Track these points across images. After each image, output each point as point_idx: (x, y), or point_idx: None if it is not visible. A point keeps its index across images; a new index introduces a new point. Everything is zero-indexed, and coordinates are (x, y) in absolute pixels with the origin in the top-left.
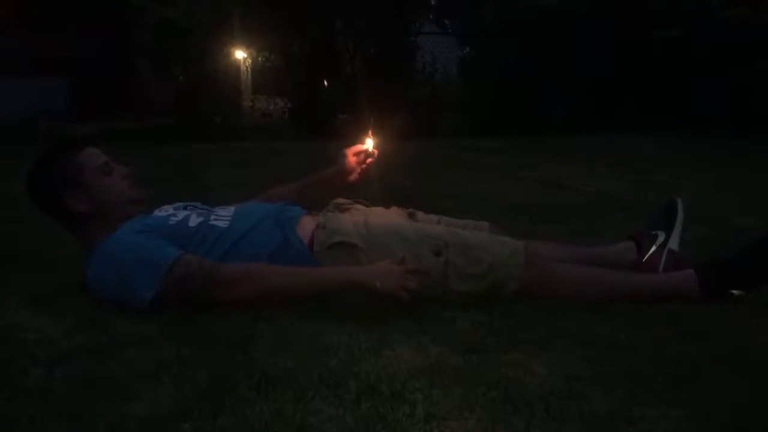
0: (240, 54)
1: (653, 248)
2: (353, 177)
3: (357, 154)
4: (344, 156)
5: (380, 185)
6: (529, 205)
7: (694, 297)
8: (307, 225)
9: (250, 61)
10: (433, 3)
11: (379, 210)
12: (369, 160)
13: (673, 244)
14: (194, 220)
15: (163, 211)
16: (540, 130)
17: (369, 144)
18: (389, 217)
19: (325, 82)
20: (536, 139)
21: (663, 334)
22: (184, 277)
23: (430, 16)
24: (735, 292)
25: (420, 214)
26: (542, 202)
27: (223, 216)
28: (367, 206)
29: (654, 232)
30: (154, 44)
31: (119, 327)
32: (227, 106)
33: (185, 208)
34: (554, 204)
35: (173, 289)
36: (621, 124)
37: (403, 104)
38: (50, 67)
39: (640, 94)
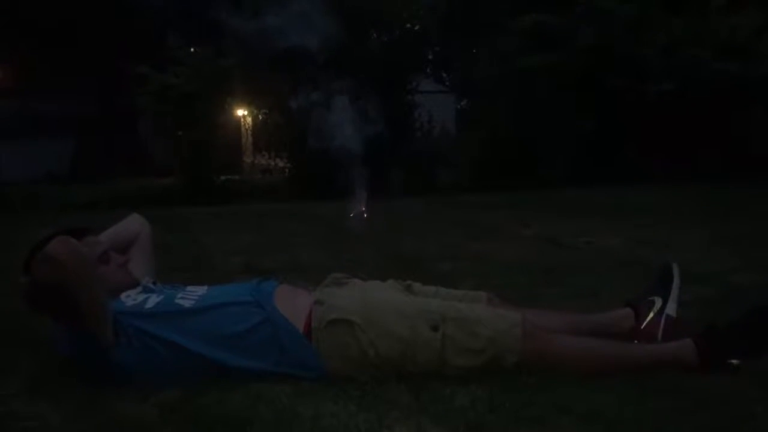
0: (240, 112)
1: (651, 315)
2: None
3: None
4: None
5: (379, 250)
6: (528, 265)
7: (694, 366)
8: (285, 297)
9: (250, 118)
10: (430, 57)
11: (376, 284)
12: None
13: (671, 309)
14: (152, 301)
15: (127, 295)
16: (539, 183)
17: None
18: (386, 292)
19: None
20: (536, 193)
21: (664, 406)
22: None
23: (428, 70)
24: (733, 361)
25: (417, 286)
26: (541, 262)
27: (191, 296)
28: (365, 280)
29: (651, 298)
30: (156, 109)
31: (119, 410)
32: (228, 164)
33: (152, 291)
34: (553, 264)
35: None
36: (619, 176)
37: (401, 161)
38: (53, 130)
39: (636, 146)
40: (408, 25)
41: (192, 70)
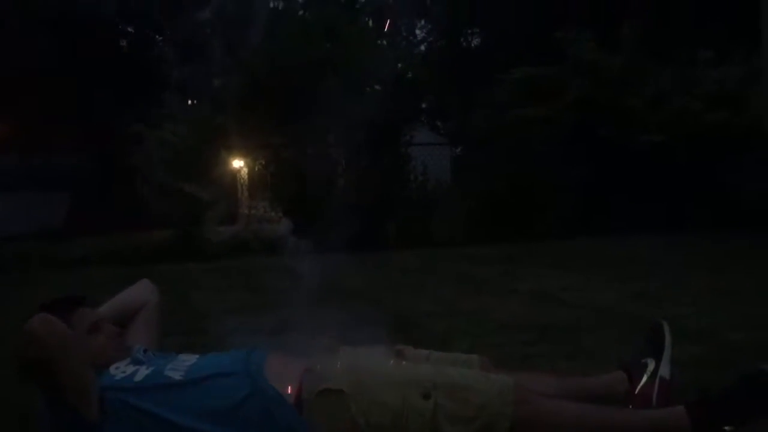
0: (237, 163)
1: (645, 378)
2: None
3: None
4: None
5: (374, 309)
6: (522, 323)
7: None
8: (276, 367)
9: (246, 169)
10: (424, 106)
11: (366, 350)
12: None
13: (664, 371)
14: (141, 374)
15: (116, 368)
16: (533, 234)
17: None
18: (376, 359)
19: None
20: (531, 246)
21: None
22: None
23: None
24: (727, 428)
25: (409, 350)
26: (536, 320)
27: (181, 366)
28: (355, 347)
29: (644, 360)
30: (151, 165)
31: None
32: (225, 217)
33: (141, 362)
34: (548, 321)
35: None
36: (612, 226)
37: (396, 214)
38: (49, 184)
39: (628, 196)
40: (404, 75)
41: (188, 126)
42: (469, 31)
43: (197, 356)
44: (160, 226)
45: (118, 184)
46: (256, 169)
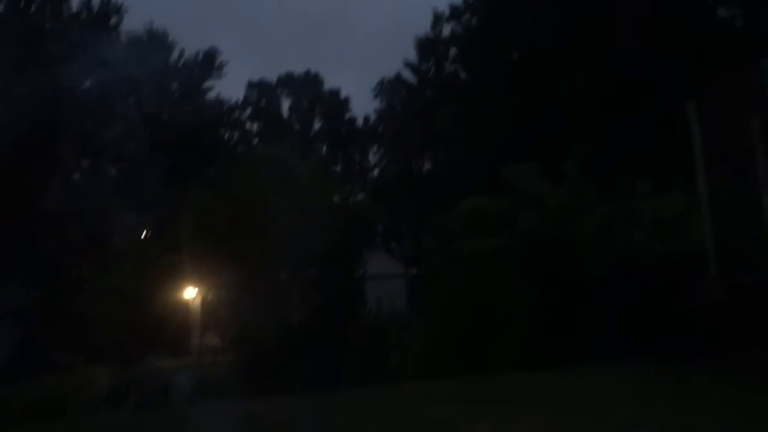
0: (189, 293)
1: None
2: None
3: None
4: None
5: None
6: None
7: None
8: None
9: (198, 300)
10: (379, 229)
11: None
12: None
13: None
14: None
15: None
16: (490, 367)
17: None
18: None
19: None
20: (486, 379)
21: None
22: None
23: (377, 240)
24: None
25: None
26: None
27: None
28: None
29: None
30: (99, 306)
31: None
32: (176, 347)
33: None
34: None
35: None
36: (565, 358)
37: (349, 349)
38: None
39: (583, 327)
40: (358, 209)
41: (138, 266)
42: (421, 159)
43: None
44: (107, 362)
45: (65, 323)
46: (210, 299)
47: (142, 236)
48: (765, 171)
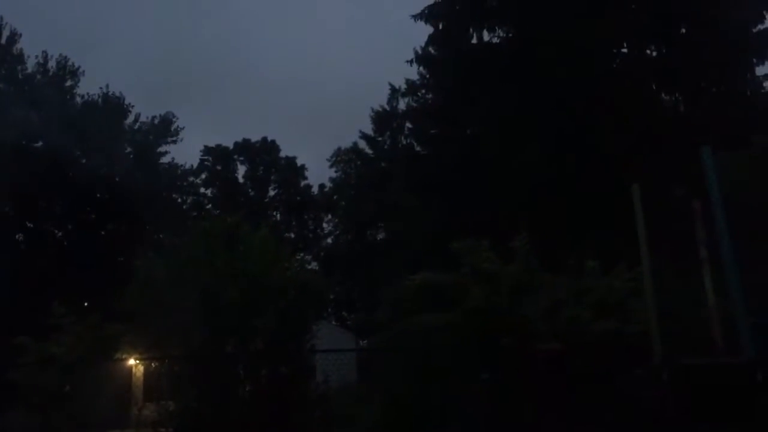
0: (131, 363)
1: None
2: None
3: None
4: None
5: None
6: None
7: None
8: None
9: (141, 367)
10: (332, 297)
11: None
12: None
13: None
14: None
15: None
16: None
17: None
18: None
19: None
20: None
21: None
22: None
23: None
24: None
25: None
26: None
27: None
28: None
29: None
30: (33, 381)
31: None
32: (115, 418)
33: None
34: None
35: None
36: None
37: (296, 424)
38: None
39: (531, 404)
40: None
41: (76, 336)
42: (374, 229)
43: None
44: None
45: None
46: (152, 369)
47: (84, 304)
48: (705, 253)
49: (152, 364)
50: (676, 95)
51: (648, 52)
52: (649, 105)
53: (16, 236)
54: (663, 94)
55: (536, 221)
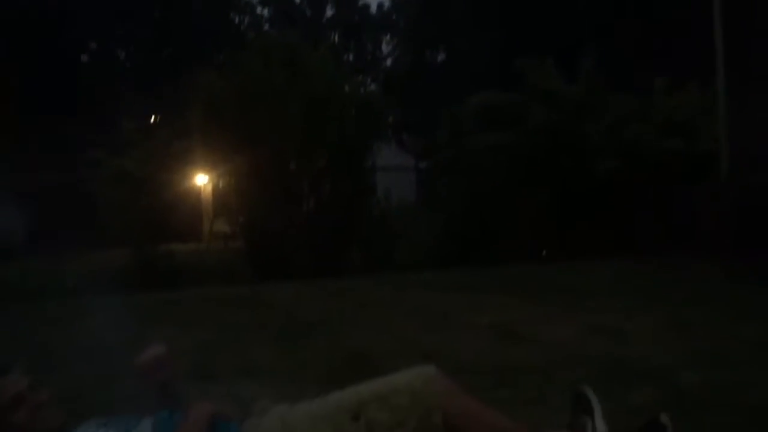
0: (201, 179)
1: None
2: (159, 383)
3: (151, 365)
4: (140, 373)
5: (330, 347)
6: (480, 363)
7: None
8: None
9: (210, 186)
10: (390, 120)
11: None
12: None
13: (601, 427)
14: None
15: (83, 429)
16: (496, 260)
17: (156, 350)
18: (303, 404)
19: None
20: (491, 272)
21: None
22: None
23: (390, 132)
24: None
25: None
26: (494, 359)
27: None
28: (292, 404)
29: (582, 420)
30: (111, 191)
31: None
32: (187, 233)
33: (105, 425)
34: (506, 361)
35: None
36: (571, 253)
37: (358, 239)
38: (9, 201)
39: (589, 223)
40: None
41: (148, 152)
42: (434, 49)
43: (152, 418)
44: (119, 246)
45: (77, 207)
46: (220, 186)
47: (152, 122)
48: None
49: (220, 181)
50: None
51: None
52: None
53: (81, 57)
54: None
55: (604, 39)
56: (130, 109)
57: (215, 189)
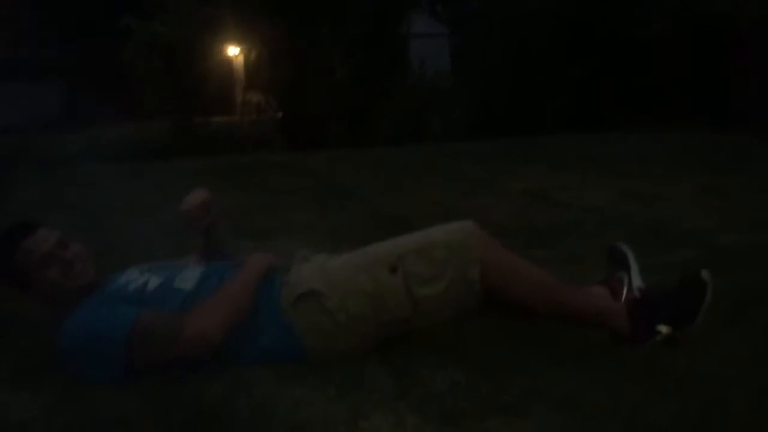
0: (232, 51)
1: (624, 291)
2: (204, 228)
3: (196, 210)
4: (186, 219)
5: (366, 210)
6: (516, 226)
7: (623, 330)
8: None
9: (242, 56)
10: None
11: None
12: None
13: (637, 281)
14: (153, 283)
15: (126, 276)
16: (532, 129)
17: (200, 195)
18: (342, 255)
19: None
20: (528, 140)
21: (639, 392)
22: (145, 336)
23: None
24: (659, 328)
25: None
26: (529, 222)
27: (188, 278)
28: (331, 255)
29: (618, 276)
30: (143, 58)
31: (99, 400)
32: (220, 104)
33: (149, 270)
34: (542, 223)
35: (140, 352)
36: (610, 123)
37: (392, 109)
38: (43, 75)
39: (629, 92)
40: None
41: (179, 17)
42: None
43: (202, 266)
44: (153, 116)
45: (110, 76)
46: (252, 57)
47: None
48: None
49: (251, 52)
50: None
51: None
52: None
53: None
54: None
55: None
56: None
57: (247, 60)
